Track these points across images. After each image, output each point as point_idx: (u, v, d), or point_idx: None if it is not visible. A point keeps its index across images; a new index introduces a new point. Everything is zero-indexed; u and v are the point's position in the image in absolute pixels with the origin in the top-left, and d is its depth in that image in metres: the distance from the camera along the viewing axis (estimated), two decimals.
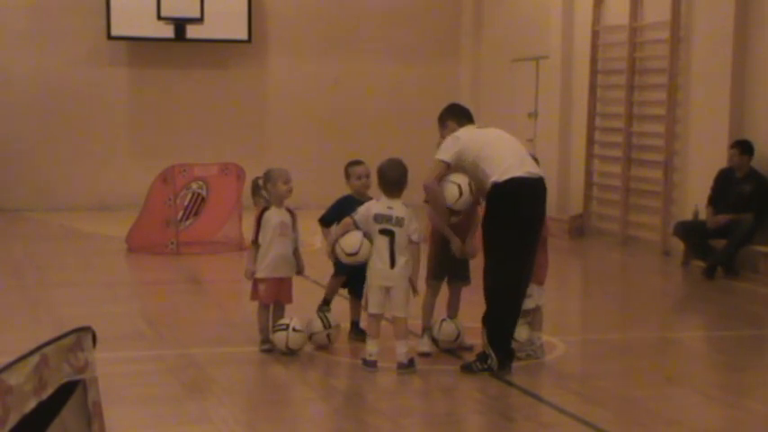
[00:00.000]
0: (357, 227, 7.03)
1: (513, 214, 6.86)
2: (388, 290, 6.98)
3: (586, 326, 9.55)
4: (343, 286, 7.89)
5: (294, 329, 7.33)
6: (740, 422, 6.35)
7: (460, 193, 7.02)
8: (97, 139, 17.01)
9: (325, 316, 7.59)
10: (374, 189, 7.41)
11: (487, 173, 6.89)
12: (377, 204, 7.06)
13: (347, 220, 7.10)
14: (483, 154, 6.94)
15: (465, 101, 16.72)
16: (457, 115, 7.37)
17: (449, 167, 7.03)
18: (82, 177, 16.91)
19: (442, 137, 7.29)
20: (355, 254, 6.99)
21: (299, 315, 7.52)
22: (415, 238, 7.04)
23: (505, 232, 6.86)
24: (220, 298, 10.44)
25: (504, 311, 6.96)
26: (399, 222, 6.97)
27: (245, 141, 17.32)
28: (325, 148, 17.24)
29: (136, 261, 12.16)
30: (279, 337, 7.35)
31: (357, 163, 7.84)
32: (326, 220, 7.74)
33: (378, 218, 6.98)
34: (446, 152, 7.04)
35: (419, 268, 7.16)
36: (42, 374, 2.75)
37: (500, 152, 6.97)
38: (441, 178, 7.02)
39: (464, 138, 7.05)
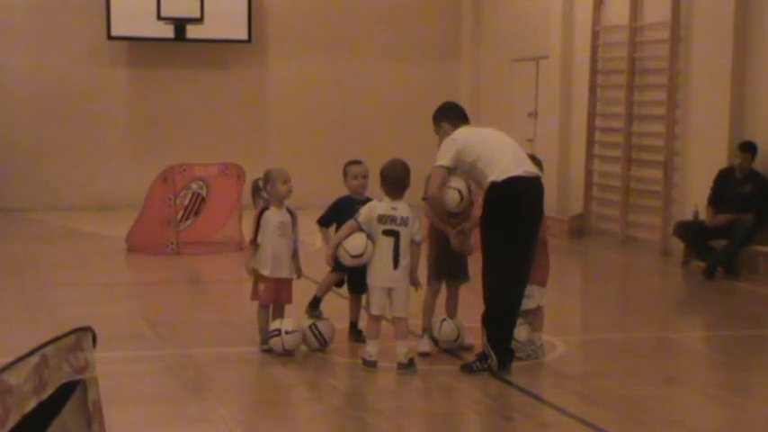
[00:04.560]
0: (361, 229, 7.02)
1: (511, 213, 6.86)
2: (389, 291, 6.99)
3: (586, 326, 9.55)
4: (338, 285, 7.82)
5: (287, 332, 7.31)
6: (740, 422, 6.36)
7: (461, 198, 7.14)
8: (97, 139, 17.00)
9: (319, 332, 7.44)
10: (375, 189, 7.40)
11: (486, 172, 6.90)
12: (380, 205, 7.04)
13: (351, 222, 7.06)
14: (481, 153, 6.95)
15: (465, 101, 16.75)
16: (450, 116, 7.36)
17: (449, 172, 7.05)
18: (82, 177, 16.90)
19: (438, 135, 7.31)
20: (360, 255, 6.96)
21: (299, 315, 7.51)
22: (417, 238, 7.05)
23: (504, 231, 6.87)
24: (220, 298, 10.44)
25: (503, 311, 6.97)
26: (404, 222, 6.96)
27: (245, 141, 17.31)
28: (326, 148, 17.23)
29: (136, 261, 12.16)
30: (274, 343, 7.35)
31: (355, 162, 7.83)
32: (325, 221, 7.73)
33: (382, 218, 6.96)
34: (445, 157, 7.04)
35: (418, 265, 7.16)
36: (42, 374, 2.74)
37: (498, 151, 6.98)
38: (444, 184, 7.04)
39: (460, 139, 7.05)
